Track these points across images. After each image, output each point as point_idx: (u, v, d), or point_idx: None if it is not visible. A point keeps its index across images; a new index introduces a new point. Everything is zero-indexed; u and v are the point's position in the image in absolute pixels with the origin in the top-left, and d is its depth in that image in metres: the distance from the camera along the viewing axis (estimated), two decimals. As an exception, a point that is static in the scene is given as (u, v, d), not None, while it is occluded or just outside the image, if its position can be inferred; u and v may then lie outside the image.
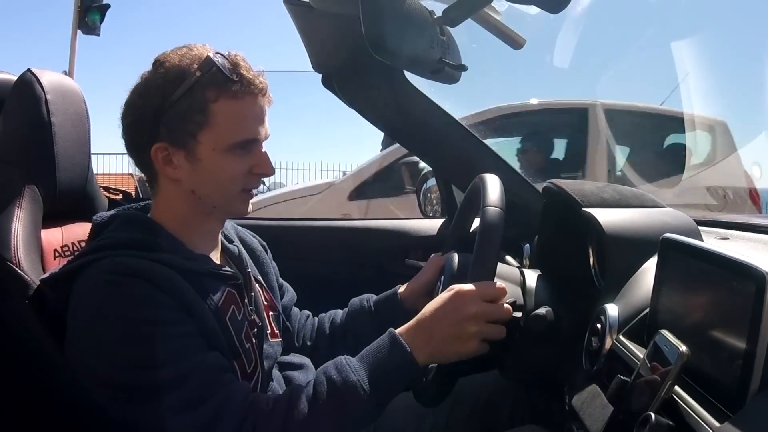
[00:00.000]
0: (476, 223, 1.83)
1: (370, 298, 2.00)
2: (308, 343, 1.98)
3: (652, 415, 0.98)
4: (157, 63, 1.47)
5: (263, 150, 1.52)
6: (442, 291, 1.65)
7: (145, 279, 1.33)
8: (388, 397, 1.38)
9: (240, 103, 1.44)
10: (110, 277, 1.33)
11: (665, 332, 1.09)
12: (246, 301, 1.60)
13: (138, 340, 1.28)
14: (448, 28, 1.58)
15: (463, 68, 1.58)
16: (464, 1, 1.42)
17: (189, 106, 1.41)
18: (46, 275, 1.47)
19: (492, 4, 1.50)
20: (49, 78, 1.73)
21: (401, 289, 1.95)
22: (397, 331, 1.41)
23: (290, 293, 2.01)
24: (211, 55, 1.43)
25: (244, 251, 1.76)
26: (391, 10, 1.39)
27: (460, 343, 1.39)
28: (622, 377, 1.14)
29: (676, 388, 1.04)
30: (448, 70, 1.55)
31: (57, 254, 1.72)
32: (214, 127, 1.43)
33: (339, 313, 2.03)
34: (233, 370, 1.45)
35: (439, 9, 1.51)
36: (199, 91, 1.41)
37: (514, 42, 1.72)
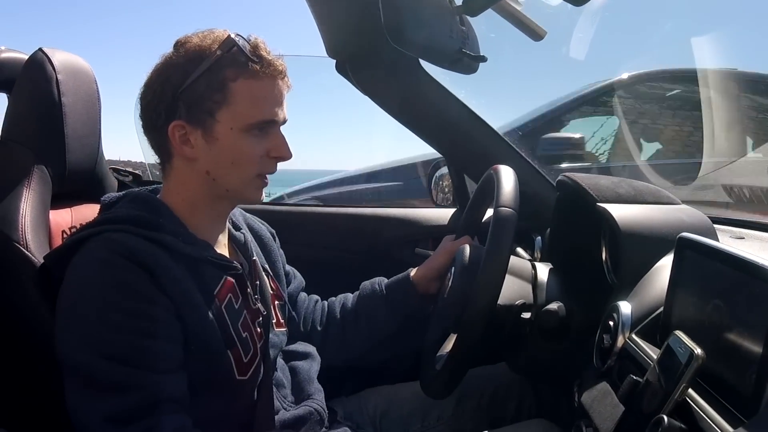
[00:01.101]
0: (489, 212, 1.82)
1: (381, 281, 1.99)
2: (318, 328, 1.96)
3: (665, 417, 0.97)
4: (178, 44, 1.47)
5: (281, 134, 1.51)
6: (452, 285, 1.64)
7: (135, 262, 1.33)
8: None
9: (259, 83, 1.44)
10: (104, 254, 1.33)
11: (680, 333, 1.07)
12: (249, 290, 1.59)
13: (104, 324, 1.28)
14: (468, 17, 1.56)
15: (483, 59, 1.57)
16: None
17: (208, 85, 1.41)
18: (49, 252, 1.49)
19: (513, -7, 1.48)
20: (61, 57, 1.71)
21: (413, 272, 1.94)
22: None
23: (298, 279, 2.00)
24: (232, 35, 1.43)
25: (251, 238, 1.75)
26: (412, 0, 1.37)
27: None
28: (634, 377, 1.13)
29: (690, 391, 1.02)
30: (467, 61, 1.54)
31: (65, 235, 1.72)
32: (232, 106, 1.42)
33: (350, 297, 2.02)
34: (227, 360, 1.45)
35: None
36: (219, 70, 1.41)
37: (535, 33, 1.70)
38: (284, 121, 1.52)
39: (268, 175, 1.55)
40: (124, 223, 1.40)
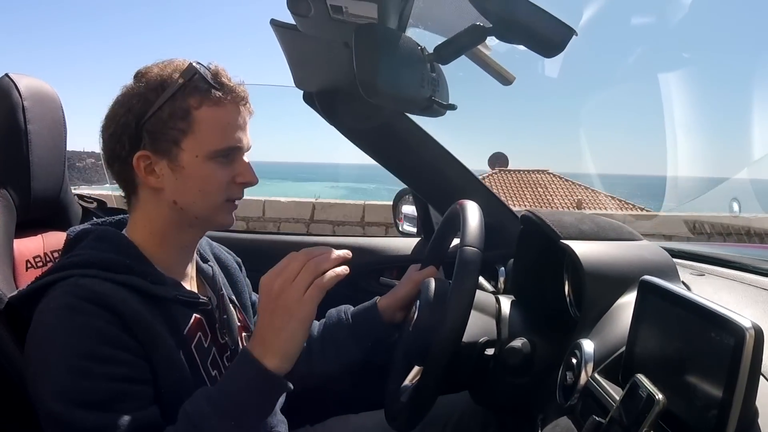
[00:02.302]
0: (455, 241, 1.84)
1: (347, 309, 1.99)
2: None
3: (627, 460, 0.99)
4: (139, 74, 1.47)
5: (246, 159, 1.51)
6: (417, 318, 1.65)
7: (104, 307, 1.32)
8: (246, 417, 1.32)
9: (222, 110, 1.44)
10: (70, 300, 1.31)
11: (641, 377, 1.09)
12: (218, 325, 1.59)
13: (76, 372, 1.26)
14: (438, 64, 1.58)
15: (452, 107, 1.58)
16: (457, 38, 1.42)
17: (172, 113, 1.41)
18: (15, 293, 1.46)
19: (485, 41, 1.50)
20: (28, 83, 1.70)
21: (379, 301, 1.94)
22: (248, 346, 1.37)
23: None
24: (193, 63, 1.44)
25: (218, 271, 1.74)
26: (385, 52, 1.38)
27: (290, 322, 1.31)
28: (597, 418, 1.15)
29: (651, 433, 1.04)
30: (437, 108, 1.55)
31: (30, 265, 1.70)
32: (197, 134, 1.42)
33: (315, 324, 2.01)
34: None
35: (429, 41, 1.51)
36: (182, 98, 1.42)
37: (503, 78, 1.72)
38: (248, 148, 1.52)
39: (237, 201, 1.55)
40: (91, 267, 1.39)
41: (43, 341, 1.31)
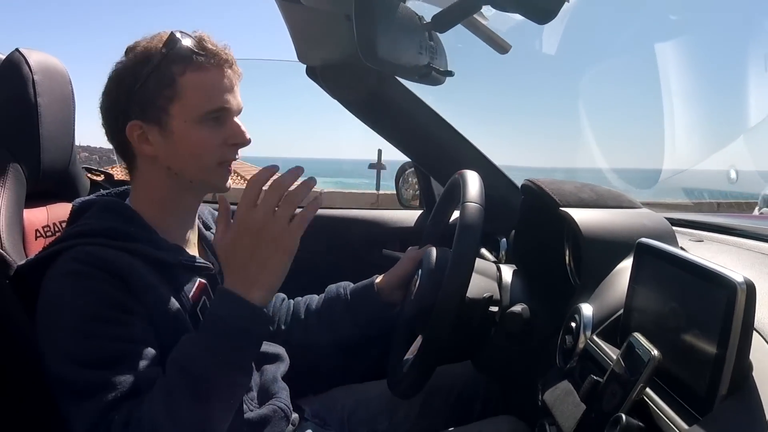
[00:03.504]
0: (455, 215, 1.86)
1: (347, 285, 2.00)
2: (282, 327, 1.98)
3: (623, 416, 1.01)
4: (128, 50, 1.51)
5: (236, 121, 1.53)
6: (419, 284, 1.67)
7: (110, 272, 1.34)
8: (238, 354, 1.32)
9: (206, 74, 1.47)
10: (76, 266, 1.34)
11: (638, 335, 1.12)
12: None
13: (81, 333, 1.29)
14: (436, 33, 1.59)
15: (450, 74, 1.60)
16: (453, 7, 1.44)
17: (158, 82, 1.44)
18: (23, 262, 1.49)
19: (480, 10, 1.51)
20: (37, 58, 1.72)
21: (378, 279, 1.95)
22: (225, 284, 1.36)
23: None
24: (176, 32, 1.47)
25: None
26: (384, 19, 1.40)
27: (276, 254, 1.32)
28: (594, 377, 1.18)
29: (647, 390, 1.07)
30: (435, 75, 1.57)
31: (38, 234, 1.72)
32: (183, 99, 1.45)
33: (315, 299, 2.03)
34: None
35: (427, 12, 1.53)
36: (166, 67, 1.44)
37: (500, 47, 1.73)
38: (239, 110, 1.54)
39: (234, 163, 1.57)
40: (96, 236, 1.42)
41: (50, 306, 1.35)
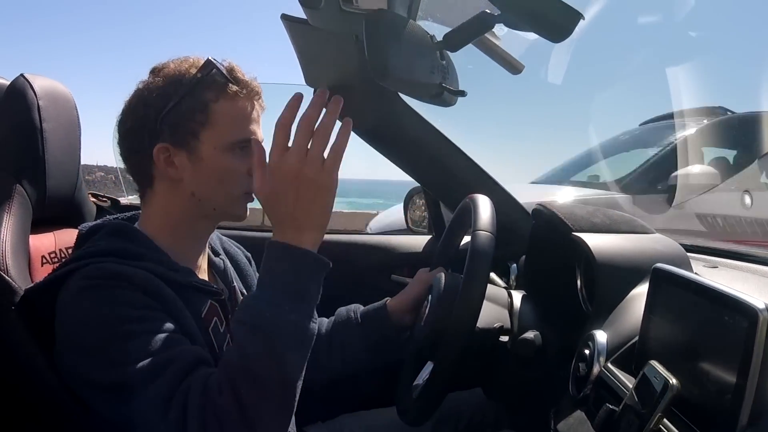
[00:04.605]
0: (465, 240, 1.84)
1: (357, 308, 1.98)
2: None
3: (641, 446, 0.99)
4: (156, 70, 1.50)
5: None
6: (428, 313, 1.65)
7: (129, 282, 1.33)
8: (300, 302, 1.29)
9: (238, 103, 1.47)
10: (93, 281, 1.32)
11: (655, 363, 1.10)
12: (230, 316, 1.59)
13: (120, 338, 1.26)
14: (448, 52, 1.58)
15: (462, 94, 1.58)
16: (465, 26, 1.43)
17: (191, 106, 1.44)
18: (32, 285, 1.47)
19: (492, 29, 1.50)
20: (42, 83, 1.71)
21: (388, 302, 1.93)
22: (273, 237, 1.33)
23: None
24: (211, 58, 1.47)
25: (229, 265, 1.75)
26: (395, 37, 1.39)
27: (318, 194, 1.29)
28: (610, 406, 1.15)
29: (665, 420, 1.04)
30: (447, 95, 1.55)
31: (45, 261, 1.71)
32: (215, 126, 1.45)
33: (324, 322, 2.00)
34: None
35: (438, 31, 1.52)
36: (200, 92, 1.44)
37: (513, 67, 1.72)
38: (261, 141, 1.53)
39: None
40: (106, 255, 1.40)
41: (76, 324, 1.32)
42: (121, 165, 1.59)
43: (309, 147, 1.28)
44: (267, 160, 1.30)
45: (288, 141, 1.28)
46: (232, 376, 1.22)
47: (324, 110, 1.31)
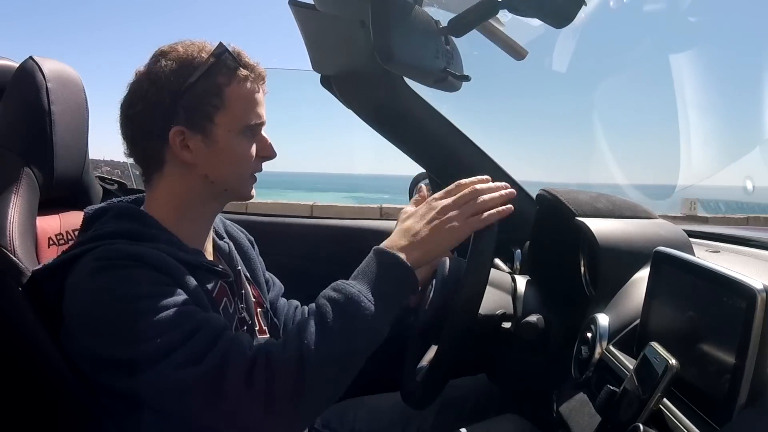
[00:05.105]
0: None
1: None
2: None
3: (641, 426, 1.00)
4: (162, 54, 1.49)
5: (265, 135, 1.56)
6: (433, 296, 1.66)
7: (142, 262, 1.33)
8: (391, 307, 1.39)
9: (247, 87, 1.49)
10: (105, 262, 1.32)
11: (655, 344, 1.10)
12: (236, 298, 1.60)
13: (137, 314, 1.26)
14: (453, 37, 1.59)
15: (466, 78, 1.59)
16: (470, 12, 1.44)
17: (205, 90, 1.45)
18: (39, 267, 1.48)
19: (496, 15, 1.51)
20: (51, 66, 1.72)
21: None
22: (383, 243, 1.47)
23: (277, 286, 2.01)
24: (223, 42, 1.48)
25: (233, 248, 1.76)
26: (400, 21, 1.40)
27: (446, 232, 1.44)
28: (611, 387, 1.16)
29: (665, 400, 1.05)
30: (451, 80, 1.56)
31: (51, 242, 1.72)
32: (228, 109, 1.47)
33: None
34: None
35: (443, 17, 1.53)
36: (214, 76, 1.46)
37: (517, 53, 1.73)
38: (265, 124, 1.57)
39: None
40: (116, 237, 1.40)
41: (91, 305, 1.32)
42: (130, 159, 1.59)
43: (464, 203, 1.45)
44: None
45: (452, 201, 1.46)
46: (302, 338, 1.27)
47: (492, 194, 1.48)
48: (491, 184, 1.50)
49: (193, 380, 1.23)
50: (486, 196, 1.46)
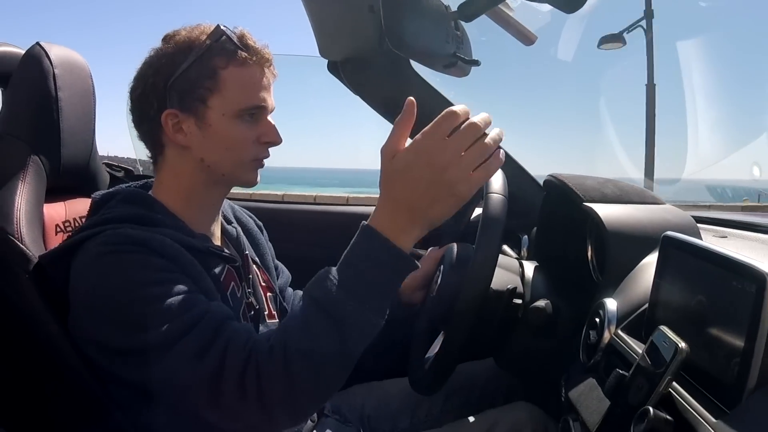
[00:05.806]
0: (476, 212, 1.84)
1: None
2: None
3: (651, 409, 1.00)
4: (167, 37, 1.50)
5: (270, 120, 1.54)
6: (441, 279, 1.65)
7: (147, 248, 1.33)
8: (383, 301, 1.27)
9: (248, 70, 1.47)
10: (110, 247, 1.33)
11: (664, 328, 1.10)
12: (243, 283, 1.61)
13: (143, 302, 1.27)
14: (462, 22, 1.58)
15: (476, 63, 1.59)
16: (480, -2, 1.44)
17: (199, 73, 1.45)
18: (45, 252, 1.49)
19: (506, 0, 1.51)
20: (58, 52, 1.72)
21: None
22: (372, 220, 1.27)
23: (285, 274, 2.01)
24: (220, 25, 1.47)
25: (242, 232, 1.77)
26: (411, 6, 1.40)
27: (449, 198, 1.22)
28: (620, 371, 1.16)
29: (674, 383, 1.05)
30: (461, 64, 1.56)
31: (59, 229, 1.72)
32: (223, 92, 1.46)
33: None
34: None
35: (453, 2, 1.52)
36: (209, 58, 1.45)
37: (526, 38, 1.72)
38: (272, 109, 1.55)
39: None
40: (122, 222, 1.41)
41: (95, 290, 1.33)
42: (134, 155, 1.60)
43: (464, 153, 1.20)
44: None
45: (447, 133, 1.20)
46: (288, 344, 1.22)
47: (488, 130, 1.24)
48: (485, 116, 1.24)
49: (192, 381, 1.24)
50: (491, 137, 1.23)
